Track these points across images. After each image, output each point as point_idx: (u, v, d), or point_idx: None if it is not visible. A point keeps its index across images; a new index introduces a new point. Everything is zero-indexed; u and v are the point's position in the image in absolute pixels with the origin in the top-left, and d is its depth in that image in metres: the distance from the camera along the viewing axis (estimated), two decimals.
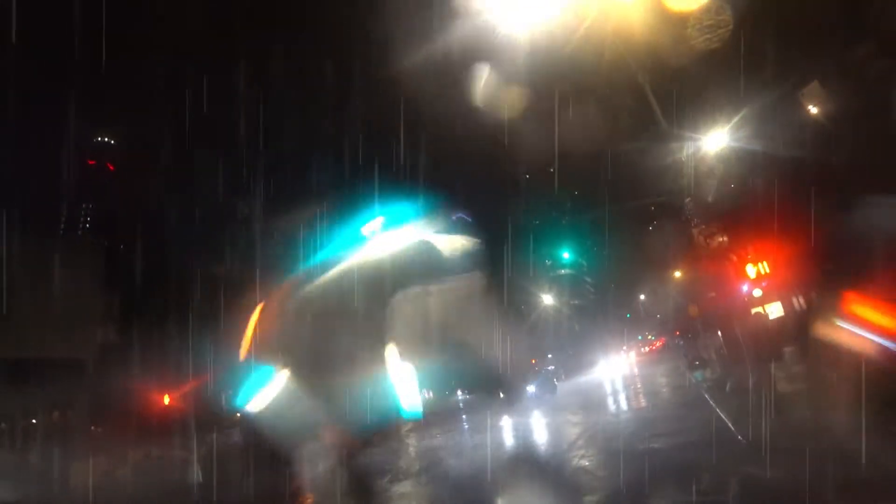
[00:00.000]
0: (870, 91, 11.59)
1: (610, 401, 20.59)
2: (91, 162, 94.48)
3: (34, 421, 21.65)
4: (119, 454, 19.62)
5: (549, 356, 59.48)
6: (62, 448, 20.15)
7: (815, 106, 14.08)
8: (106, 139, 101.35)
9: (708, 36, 12.00)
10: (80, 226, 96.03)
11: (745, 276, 13.64)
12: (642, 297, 52.97)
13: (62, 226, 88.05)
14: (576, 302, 68.17)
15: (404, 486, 10.16)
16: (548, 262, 65.39)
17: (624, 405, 18.42)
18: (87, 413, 22.00)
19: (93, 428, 22.77)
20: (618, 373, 37.95)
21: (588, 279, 77.01)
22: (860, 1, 11.44)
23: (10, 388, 18.81)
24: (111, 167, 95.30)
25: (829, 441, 6.31)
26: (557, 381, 46.90)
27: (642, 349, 61.23)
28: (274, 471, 15.20)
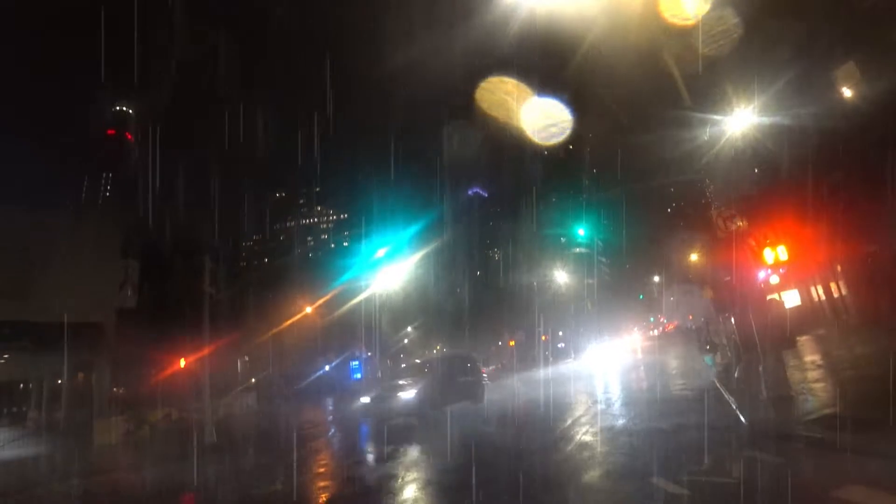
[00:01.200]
0: None
1: (618, 380, 20.69)
2: (110, 132, 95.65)
3: (59, 382, 22.52)
4: (138, 415, 20.45)
5: (560, 333, 59.67)
6: (86, 408, 21.05)
7: (850, 87, 13.52)
8: (124, 108, 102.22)
9: (733, 20, 11.56)
10: (101, 194, 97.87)
11: (762, 261, 13.39)
12: (656, 278, 52.58)
13: (83, 194, 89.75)
14: (590, 281, 67.95)
15: (410, 457, 10.44)
16: (563, 240, 65.06)
17: (632, 385, 18.50)
18: (108, 375, 22.80)
19: (114, 389, 23.65)
20: (629, 353, 37.96)
21: (603, 258, 76.52)
22: None
23: (37, 351, 19.55)
24: (130, 137, 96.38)
25: (833, 429, 6.29)
26: (569, 358, 46.69)
27: (653, 331, 61.08)
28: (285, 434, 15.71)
